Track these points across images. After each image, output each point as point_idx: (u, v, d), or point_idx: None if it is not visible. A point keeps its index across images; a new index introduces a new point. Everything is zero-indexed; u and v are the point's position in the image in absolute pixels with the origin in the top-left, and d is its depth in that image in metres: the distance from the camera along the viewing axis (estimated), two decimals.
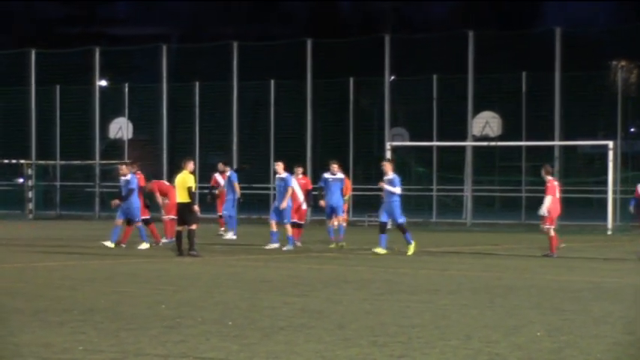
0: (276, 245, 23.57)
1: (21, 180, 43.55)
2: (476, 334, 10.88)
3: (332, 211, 24.06)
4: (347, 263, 20.42)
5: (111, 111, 43.61)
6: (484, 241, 23.31)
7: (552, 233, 21.33)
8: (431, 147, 35.63)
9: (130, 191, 23.84)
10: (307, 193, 24.91)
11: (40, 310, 12.94)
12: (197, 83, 41.12)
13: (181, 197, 21.84)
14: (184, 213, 21.78)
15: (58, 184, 44.98)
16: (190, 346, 10.25)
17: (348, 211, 26.38)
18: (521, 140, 34.79)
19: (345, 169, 25.44)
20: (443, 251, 23.16)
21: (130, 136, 43.04)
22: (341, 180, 24.38)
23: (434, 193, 36.88)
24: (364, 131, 38.88)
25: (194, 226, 21.76)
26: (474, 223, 34.54)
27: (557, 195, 21.60)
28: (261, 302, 13.94)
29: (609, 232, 30.00)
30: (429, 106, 36.89)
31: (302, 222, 24.32)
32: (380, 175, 35.49)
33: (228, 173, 26.94)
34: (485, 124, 35.28)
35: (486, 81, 35.61)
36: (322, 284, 16.25)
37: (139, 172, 25.08)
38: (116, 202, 24.13)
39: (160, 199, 25.63)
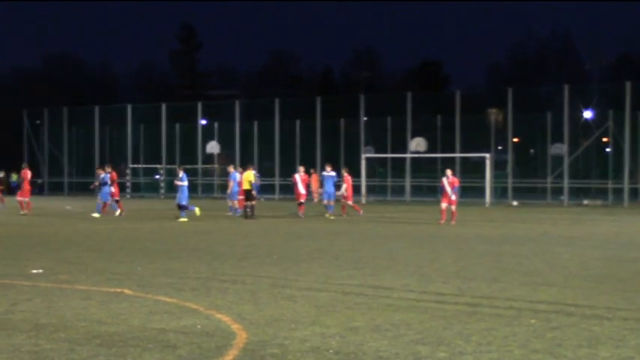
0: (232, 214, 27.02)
1: (157, 176, 50.64)
2: (412, 262, 12.82)
3: (328, 196, 29.07)
4: (341, 224, 23.49)
5: (207, 137, 51.95)
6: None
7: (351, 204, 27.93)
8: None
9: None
10: (307, 185, 30.23)
11: (167, 249, 14.91)
12: (255, 122, 49.91)
13: (246, 186, 26.84)
14: (249, 195, 26.74)
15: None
16: (252, 270, 11.76)
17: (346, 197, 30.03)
18: None
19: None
20: None
21: (218, 151, 51.54)
22: (333, 176, 29.12)
23: None
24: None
25: (254, 202, 26.80)
26: None
27: (350, 183, 28.44)
28: (291, 244, 15.92)
29: None
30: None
31: (303, 201, 28.81)
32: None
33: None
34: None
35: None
36: (326, 235, 18.52)
37: (25, 169, 29.81)
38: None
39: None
